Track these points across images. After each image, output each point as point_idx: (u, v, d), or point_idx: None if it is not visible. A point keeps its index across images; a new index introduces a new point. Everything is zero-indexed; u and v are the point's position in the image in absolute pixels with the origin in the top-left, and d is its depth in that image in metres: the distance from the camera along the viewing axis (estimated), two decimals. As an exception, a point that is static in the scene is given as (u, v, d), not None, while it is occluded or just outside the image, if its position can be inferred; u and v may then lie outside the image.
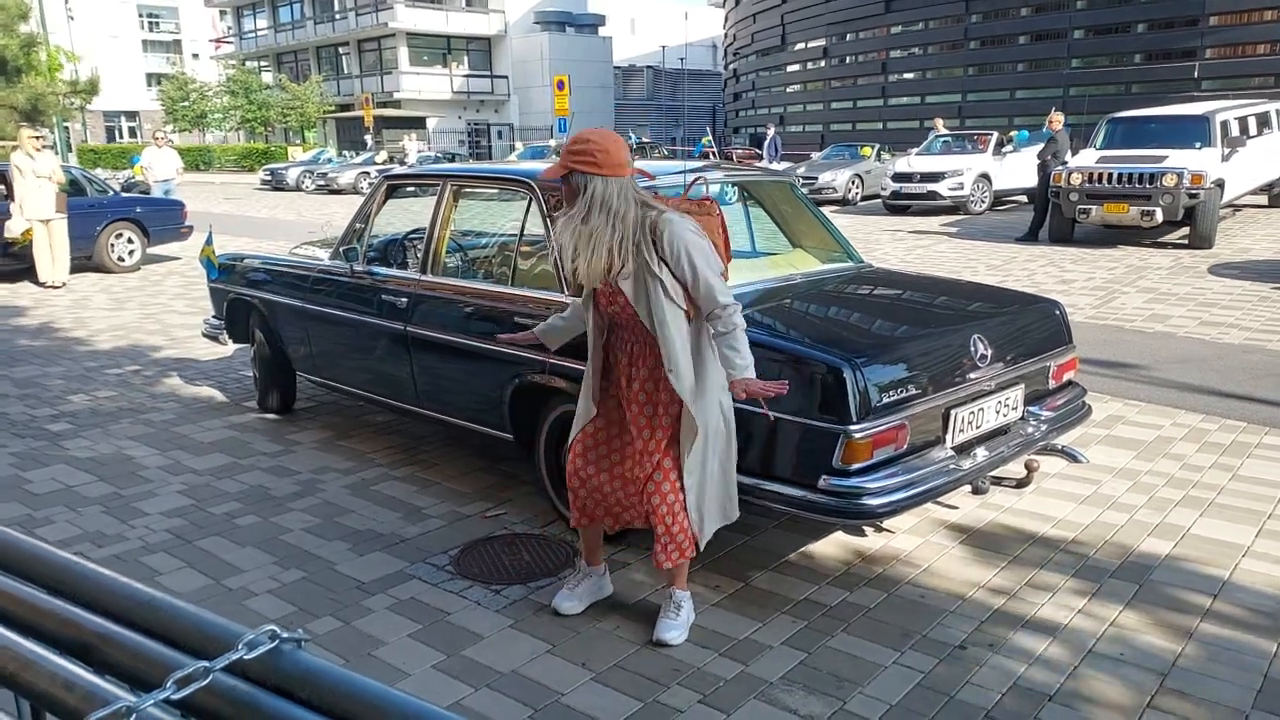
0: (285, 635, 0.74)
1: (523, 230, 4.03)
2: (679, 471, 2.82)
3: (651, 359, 2.80)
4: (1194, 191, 11.26)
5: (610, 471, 2.95)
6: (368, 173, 28.20)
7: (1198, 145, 11.93)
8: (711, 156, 22.66)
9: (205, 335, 5.95)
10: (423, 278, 4.24)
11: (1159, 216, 11.45)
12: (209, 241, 5.78)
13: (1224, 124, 12.34)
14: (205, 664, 0.71)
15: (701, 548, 2.91)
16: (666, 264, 2.70)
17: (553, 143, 30.09)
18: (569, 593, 3.14)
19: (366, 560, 3.56)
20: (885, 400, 2.99)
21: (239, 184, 34.76)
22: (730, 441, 2.91)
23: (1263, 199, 15.42)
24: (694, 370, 2.78)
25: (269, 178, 31.84)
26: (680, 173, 3.92)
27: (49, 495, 4.27)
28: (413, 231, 4.91)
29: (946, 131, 19.54)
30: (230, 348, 6.61)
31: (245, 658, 0.72)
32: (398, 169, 18.72)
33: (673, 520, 2.83)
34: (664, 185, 3.89)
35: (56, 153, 10.37)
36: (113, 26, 60.06)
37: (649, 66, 56.86)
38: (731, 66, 40.77)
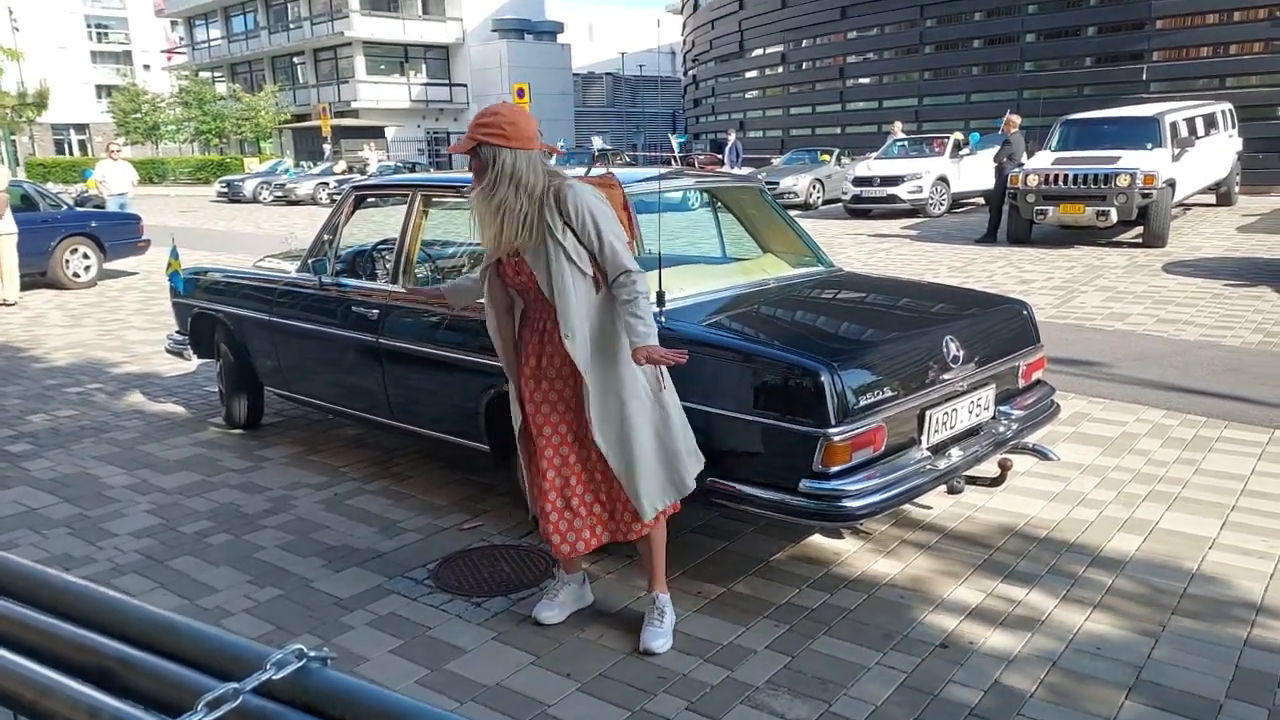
0: (312, 654, 0.74)
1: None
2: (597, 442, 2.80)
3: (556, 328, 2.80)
4: (1147, 191, 11.53)
5: (564, 478, 2.90)
6: (326, 183, 27.89)
7: (1149, 146, 12.22)
8: (674, 162, 22.73)
9: (169, 351, 5.85)
10: (394, 288, 4.21)
11: (1114, 216, 11.70)
12: (174, 255, 5.69)
13: (1173, 125, 12.65)
14: (235, 685, 0.70)
15: (648, 519, 2.85)
16: (571, 228, 2.70)
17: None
18: (549, 602, 3.13)
19: (343, 576, 3.52)
20: (863, 403, 3.02)
21: (195, 196, 34.22)
22: (666, 412, 2.86)
23: (1211, 198, 15.82)
24: (608, 338, 2.77)
25: (225, 190, 31.37)
26: (653, 179, 3.93)
27: (11, 518, 4.17)
28: (382, 242, 4.87)
29: (904, 135, 19.80)
30: (194, 363, 6.50)
31: (274, 678, 0.71)
32: (358, 179, 18.54)
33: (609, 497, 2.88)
34: (637, 193, 3.90)
35: (2, 162, 10.09)
36: (60, 37, 58.91)
37: (608, 73, 56.94)
38: (691, 73, 40.96)
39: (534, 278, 2.75)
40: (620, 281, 2.71)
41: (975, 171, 17.21)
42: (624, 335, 2.74)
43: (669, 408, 2.89)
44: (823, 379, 2.94)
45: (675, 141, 25.38)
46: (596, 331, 2.77)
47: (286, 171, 32.81)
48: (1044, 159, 12.64)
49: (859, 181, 17.65)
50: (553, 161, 2.88)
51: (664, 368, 2.82)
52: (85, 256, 11.33)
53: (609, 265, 2.72)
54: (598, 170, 3.22)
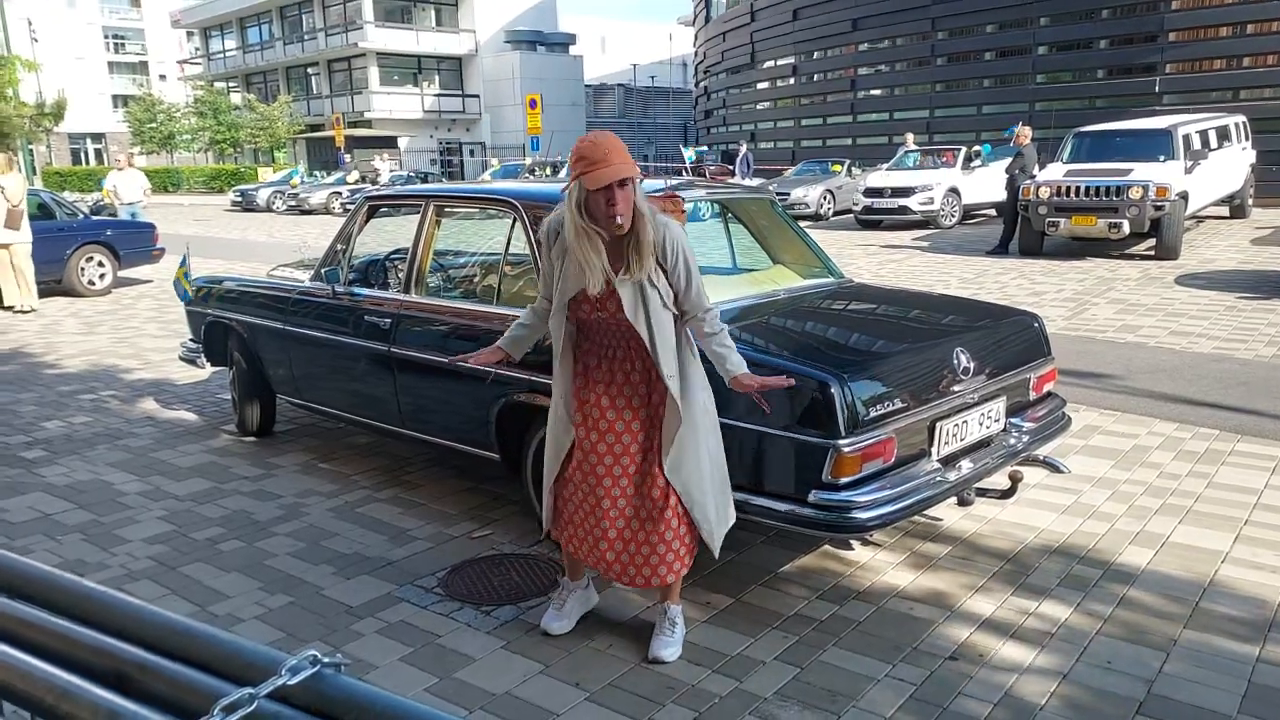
0: (327, 660, 0.75)
1: (507, 249, 4.04)
2: (669, 479, 2.80)
3: (639, 362, 2.78)
4: (1159, 204, 11.49)
5: (600, 506, 2.84)
6: (339, 193, 28.04)
7: (1162, 158, 12.18)
8: (685, 173, 22.78)
9: (183, 359, 5.89)
10: (406, 298, 4.24)
11: (1126, 228, 11.66)
12: (183, 264, 5.74)
13: (1186, 137, 12.61)
14: (250, 690, 0.71)
15: (717, 551, 2.90)
16: (663, 268, 2.70)
17: (527, 160, 30.10)
18: (556, 613, 3.14)
19: (354, 584, 3.53)
20: (873, 414, 3.02)
21: (208, 205, 34.46)
22: (720, 443, 2.92)
23: (1224, 210, 15.75)
24: (685, 373, 2.79)
25: (239, 199, 31.58)
26: (660, 191, 3.94)
27: (27, 524, 4.20)
28: (395, 252, 4.91)
29: (915, 147, 19.80)
30: (207, 371, 6.55)
31: (289, 683, 0.73)
32: (370, 189, 18.65)
33: (680, 527, 2.83)
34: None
35: (20, 172, 10.17)
36: (78, 48, 59.53)
37: (620, 85, 57.14)
38: (702, 84, 41.05)
39: (619, 311, 2.70)
40: (702, 317, 2.76)
41: (986, 183, 17.20)
42: (693, 369, 2.79)
43: (720, 440, 2.93)
44: (833, 390, 2.94)
45: (692, 153, 25.39)
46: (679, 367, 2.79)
47: (293, 173, 33.02)
48: (1056, 171, 12.61)
49: (870, 193, 17.65)
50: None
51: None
52: (100, 265, 11.42)
53: (692, 304, 2.75)
54: (654, 184, 3.19)
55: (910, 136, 21.16)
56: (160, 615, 0.83)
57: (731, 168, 25.12)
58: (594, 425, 2.83)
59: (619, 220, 2.61)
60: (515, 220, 3.88)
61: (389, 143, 43.30)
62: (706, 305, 2.76)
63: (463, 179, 39.96)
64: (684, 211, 3.14)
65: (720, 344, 2.77)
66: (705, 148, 33.98)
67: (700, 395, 2.82)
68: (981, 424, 3.49)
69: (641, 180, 2.76)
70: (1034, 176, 12.70)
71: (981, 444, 3.52)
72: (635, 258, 2.66)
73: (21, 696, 0.76)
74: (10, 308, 10.11)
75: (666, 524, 2.81)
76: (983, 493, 3.93)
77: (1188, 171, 12.18)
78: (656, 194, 3.04)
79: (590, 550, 2.90)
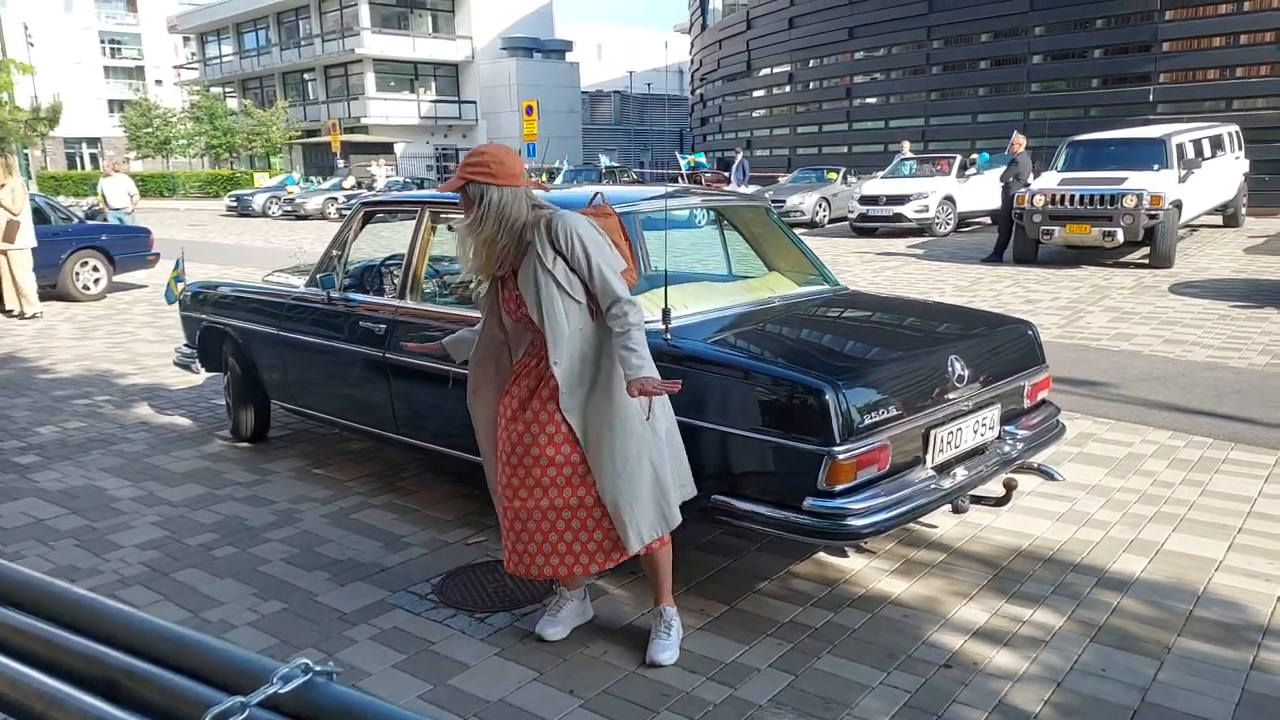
0: (318, 668, 0.75)
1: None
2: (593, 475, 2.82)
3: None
4: (1153, 212, 11.53)
5: (538, 503, 2.85)
6: (335, 198, 28.03)
7: (1155, 167, 12.23)
8: (681, 179, 22.81)
9: (177, 364, 5.88)
10: (401, 303, 4.24)
11: (1120, 237, 11.70)
12: (177, 266, 5.75)
13: (1180, 146, 12.67)
14: (241, 699, 0.71)
15: (632, 552, 2.84)
16: (562, 256, 2.74)
17: (526, 166, 30.05)
18: (551, 619, 3.13)
19: (347, 590, 3.52)
20: (867, 421, 3.02)
21: (204, 210, 34.43)
22: (660, 442, 2.85)
23: (1218, 219, 15.81)
24: (602, 366, 2.80)
25: (235, 204, 31.56)
26: (659, 197, 3.95)
27: (19, 529, 4.18)
28: (390, 257, 4.90)
29: (912, 155, 19.85)
30: (201, 376, 6.53)
31: (280, 691, 0.72)
32: (366, 194, 18.64)
33: (594, 525, 2.84)
34: (644, 211, 3.93)
35: (13, 175, 10.13)
36: (74, 53, 59.50)
37: (616, 91, 57.25)
38: (698, 91, 41.13)
39: (521, 308, 2.81)
40: (613, 312, 2.73)
41: (981, 191, 17.24)
42: (618, 365, 2.75)
43: (663, 438, 2.88)
44: (827, 397, 2.94)
45: (690, 160, 25.40)
46: (590, 359, 2.80)
47: (288, 179, 33.00)
48: (1050, 179, 12.65)
49: (865, 200, 17.68)
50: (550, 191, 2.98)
51: (654, 399, 2.80)
52: (95, 269, 11.40)
53: (600, 293, 2.76)
54: (594, 201, 3.30)
55: (907, 145, 21.21)
56: (151, 622, 0.82)
57: (727, 175, 25.14)
58: (509, 424, 2.89)
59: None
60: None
61: (385, 149, 43.34)
62: (616, 296, 2.72)
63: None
64: (612, 215, 3.14)
65: (623, 344, 2.68)
66: (702, 155, 34.03)
67: (619, 388, 2.76)
68: (976, 431, 3.49)
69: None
70: (1029, 185, 12.74)
71: (976, 451, 3.52)
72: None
73: (10, 704, 0.75)
74: (9, 311, 10.07)
75: (583, 525, 2.84)
76: (977, 500, 3.93)
77: (1181, 180, 12.22)
78: (586, 209, 3.06)
79: (529, 560, 2.90)
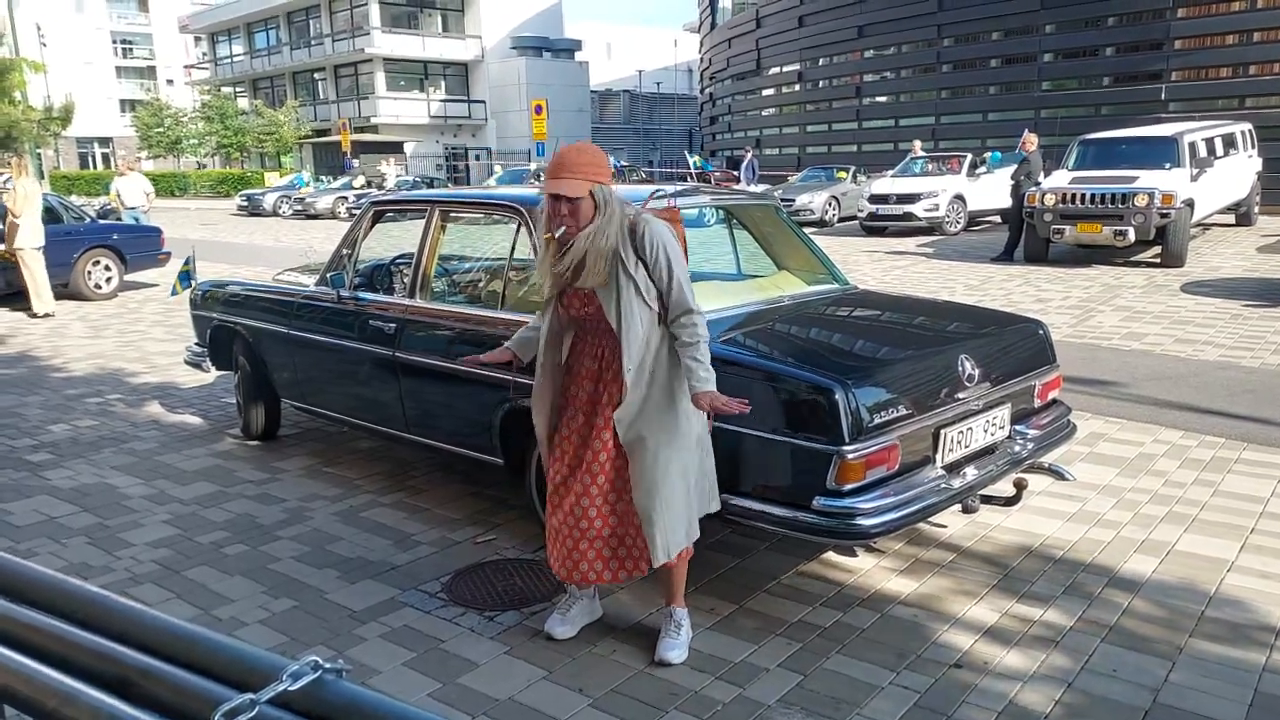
0: (328, 665, 0.75)
1: (512, 254, 4.04)
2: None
3: (616, 362, 2.80)
4: (1165, 211, 11.47)
5: (595, 503, 2.84)
6: (345, 198, 28.10)
7: (1167, 166, 12.16)
8: (690, 179, 22.80)
9: (188, 363, 5.91)
10: (411, 303, 4.25)
11: (1131, 236, 11.64)
12: (188, 262, 5.79)
13: (1192, 145, 12.59)
14: (251, 696, 0.71)
15: (658, 564, 2.84)
16: (644, 263, 2.73)
17: (533, 166, 30.15)
18: (561, 618, 3.13)
19: (357, 588, 3.53)
20: (877, 421, 3.02)
21: (215, 210, 34.56)
22: (701, 457, 2.89)
23: (1230, 218, 15.71)
24: (664, 375, 2.78)
25: (245, 203, 31.67)
26: (663, 195, 3.94)
27: (31, 527, 4.21)
28: (400, 256, 4.91)
29: (923, 154, 19.80)
30: (212, 375, 6.57)
31: (290, 689, 0.73)
32: (376, 194, 18.70)
33: (636, 533, 2.83)
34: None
35: (26, 175, 10.18)
36: (86, 53, 59.80)
37: (625, 91, 57.22)
38: (707, 90, 41.07)
39: (601, 309, 2.77)
40: (683, 322, 2.74)
41: (991, 190, 17.18)
42: (680, 374, 2.77)
43: (704, 453, 2.92)
44: (837, 397, 2.94)
45: (694, 160, 25.43)
46: (648, 368, 2.78)
47: (297, 178, 33.11)
48: (1061, 178, 12.59)
49: (875, 199, 17.64)
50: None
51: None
52: (107, 268, 11.46)
53: (675, 303, 2.75)
54: (657, 201, 3.29)
55: (918, 144, 21.16)
56: (162, 620, 0.83)
57: (736, 174, 25.11)
58: (569, 423, 2.89)
59: (552, 233, 2.73)
60: (520, 225, 3.88)
61: (395, 148, 43.42)
62: (688, 307, 2.74)
63: (468, 184, 40.05)
64: (680, 221, 3.14)
65: (693, 356, 2.72)
66: (709, 160, 34.03)
67: (684, 403, 2.79)
68: (986, 431, 3.48)
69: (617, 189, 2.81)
70: (1039, 184, 12.69)
71: (986, 451, 3.51)
72: (582, 266, 2.73)
73: (24, 700, 0.76)
74: (34, 314, 10.09)
75: (602, 524, 2.83)
76: (987, 500, 3.92)
77: (1193, 179, 12.15)
78: (659, 211, 3.05)
79: (571, 566, 2.88)
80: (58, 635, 0.83)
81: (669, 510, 2.79)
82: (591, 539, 2.84)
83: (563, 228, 2.72)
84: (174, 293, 5.76)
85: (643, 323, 2.74)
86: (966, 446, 3.39)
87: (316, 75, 49.90)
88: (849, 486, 2.96)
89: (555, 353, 2.91)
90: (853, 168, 22.23)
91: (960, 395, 3.34)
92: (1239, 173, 14.50)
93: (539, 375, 2.92)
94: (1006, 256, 13.15)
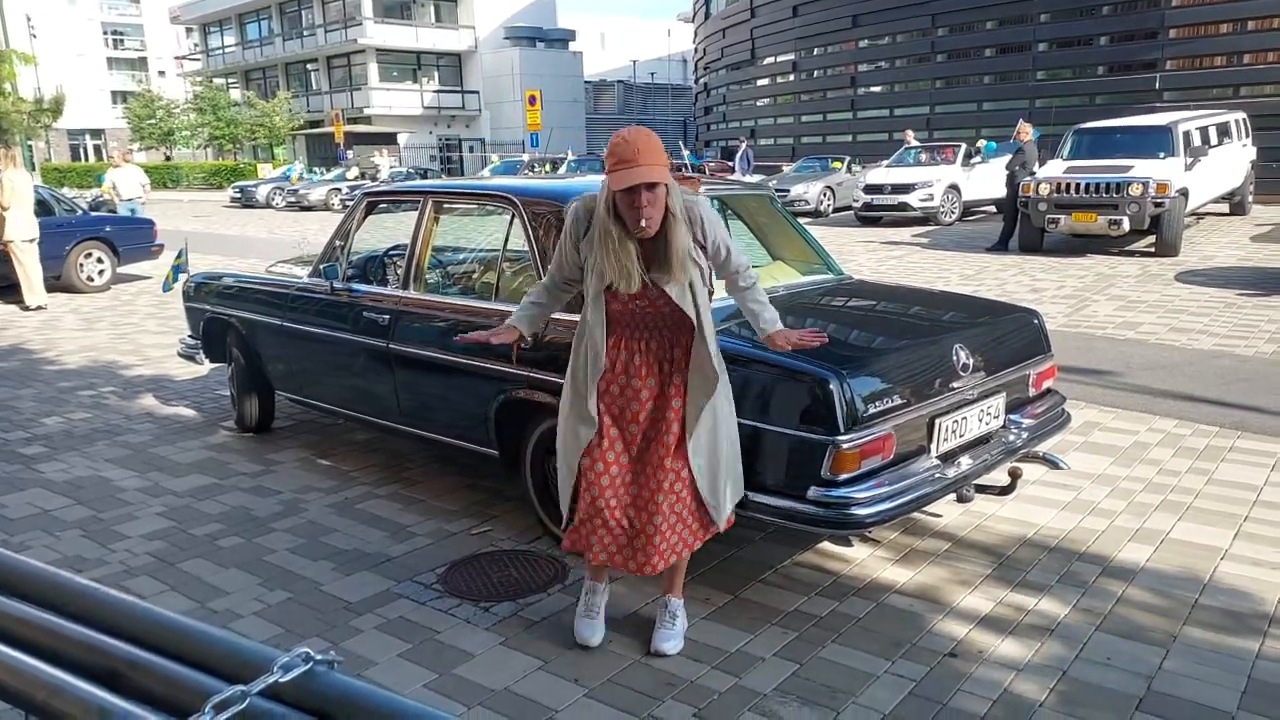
0: (319, 657, 0.74)
1: (505, 245, 4.03)
2: (690, 461, 2.76)
3: (672, 349, 2.76)
4: (1159, 200, 11.48)
5: (605, 495, 2.78)
6: (339, 189, 28.03)
7: (1162, 155, 12.17)
8: (685, 169, 22.76)
9: (181, 355, 5.89)
10: (404, 294, 4.23)
11: (1126, 225, 11.66)
12: (180, 256, 5.76)
13: (1186, 134, 12.60)
14: (241, 688, 0.70)
15: (722, 525, 2.88)
16: (703, 247, 2.72)
17: (526, 156, 30.08)
18: (591, 622, 3.00)
19: (353, 580, 3.53)
20: (872, 410, 3.02)
21: (208, 201, 34.45)
22: (735, 426, 2.91)
23: (1224, 207, 15.74)
24: (698, 352, 2.74)
25: (238, 195, 31.58)
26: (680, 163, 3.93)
27: (25, 520, 4.20)
28: (393, 248, 4.90)
29: (917, 143, 19.79)
30: (206, 367, 6.55)
31: (281, 680, 0.72)
32: (370, 185, 18.64)
33: (693, 502, 2.80)
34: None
35: (18, 168, 10.11)
36: (77, 44, 59.47)
37: (619, 81, 57.08)
38: (702, 80, 40.99)
39: (662, 300, 2.67)
40: (745, 273, 2.84)
41: (986, 180, 17.18)
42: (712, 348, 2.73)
43: (736, 423, 2.92)
44: (832, 387, 2.94)
45: (686, 154, 25.43)
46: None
47: (288, 169, 33.03)
48: (1056, 168, 12.60)
49: (870, 189, 17.64)
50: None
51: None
52: (99, 261, 11.42)
53: (734, 262, 2.80)
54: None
55: (911, 134, 21.14)
56: (152, 612, 0.82)
57: (731, 164, 25.09)
58: (619, 416, 2.79)
59: (644, 225, 2.57)
60: (514, 216, 3.87)
61: (388, 139, 43.33)
62: (744, 261, 2.83)
63: (462, 175, 39.94)
64: (698, 186, 3.13)
65: (755, 299, 2.80)
66: (704, 153, 33.98)
67: (725, 376, 2.81)
68: (981, 420, 3.48)
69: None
70: (1034, 173, 12.69)
71: (981, 440, 3.51)
72: (668, 264, 2.62)
73: (12, 693, 0.75)
74: (28, 307, 10.05)
75: (672, 509, 2.76)
76: (982, 489, 3.92)
77: (1188, 168, 12.16)
78: (682, 177, 3.03)
79: (598, 542, 2.82)
80: (46, 627, 0.82)
81: (726, 471, 2.83)
82: (666, 524, 2.75)
83: (644, 220, 2.56)
84: (166, 288, 5.75)
85: (708, 303, 2.74)
86: (961, 436, 3.40)
87: (309, 66, 49.70)
88: (844, 476, 2.96)
89: (605, 345, 2.78)
90: (848, 157, 22.24)
91: (955, 385, 3.34)
92: (1233, 162, 14.52)
93: (582, 371, 2.77)
94: (1001, 246, 13.16)
